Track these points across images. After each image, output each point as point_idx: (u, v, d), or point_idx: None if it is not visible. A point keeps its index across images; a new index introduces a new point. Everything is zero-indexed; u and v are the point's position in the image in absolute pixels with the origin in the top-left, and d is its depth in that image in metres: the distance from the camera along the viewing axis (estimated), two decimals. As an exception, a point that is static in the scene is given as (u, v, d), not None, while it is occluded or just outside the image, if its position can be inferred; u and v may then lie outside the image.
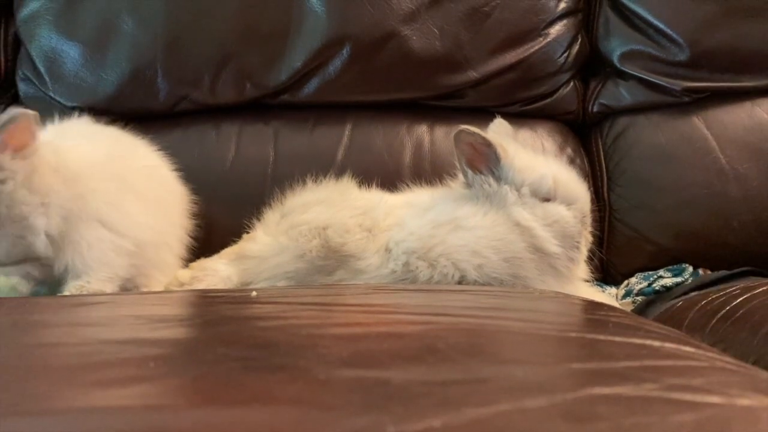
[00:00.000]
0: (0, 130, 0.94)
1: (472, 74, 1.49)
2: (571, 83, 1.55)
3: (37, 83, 1.52)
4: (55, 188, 1.00)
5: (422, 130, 1.50)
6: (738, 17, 1.46)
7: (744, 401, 0.43)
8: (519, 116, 1.48)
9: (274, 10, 1.47)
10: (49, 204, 0.99)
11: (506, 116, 1.26)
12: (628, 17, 1.52)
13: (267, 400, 0.42)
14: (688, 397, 0.43)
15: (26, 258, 1.00)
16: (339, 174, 1.24)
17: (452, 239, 1.07)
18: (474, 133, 1.09)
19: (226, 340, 0.57)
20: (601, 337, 0.59)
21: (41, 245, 0.99)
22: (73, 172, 1.04)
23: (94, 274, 1.02)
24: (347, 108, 1.52)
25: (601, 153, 1.54)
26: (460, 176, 1.15)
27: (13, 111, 0.95)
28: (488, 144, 1.10)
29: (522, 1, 1.49)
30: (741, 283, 1.13)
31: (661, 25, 1.48)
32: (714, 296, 1.04)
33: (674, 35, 1.47)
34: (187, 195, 1.32)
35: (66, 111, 1.47)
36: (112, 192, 1.09)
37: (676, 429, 0.38)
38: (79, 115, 1.31)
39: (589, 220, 1.15)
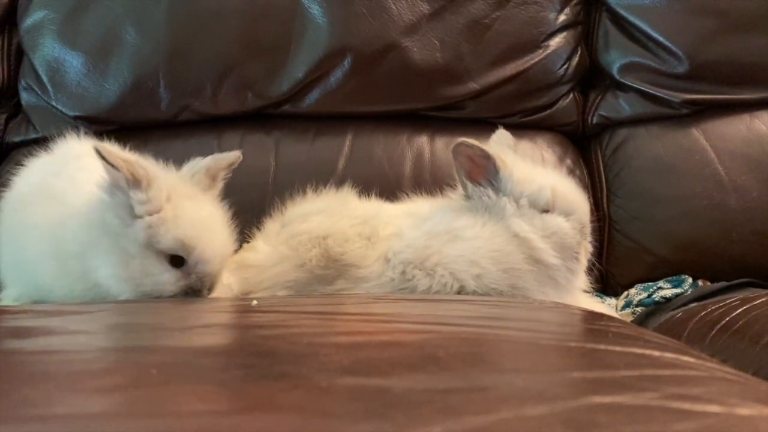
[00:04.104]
0: (228, 166, 1.00)
1: (473, 86, 1.50)
2: (571, 95, 1.56)
3: (39, 93, 1.53)
4: None
5: (422, 141, 1.51)
6: (736, 30, 1.47)
7: (743, 411, 0.43)
8: (519, 127, 1.49)
9: (275, 21, 1.48)
10: None
11: (506, 127, 1.27)
12: (627, 30, 1.53)
13: (268, 408, 0.42)
14: (687, 406, 0.43)
15: None
16: (339, 184, 1.25)
17: (449, 249, 1.07)
18: (472, 146, 1.09)
19: (227, 348, 0.57)
20: (601, 346, 0.59)
21: None
22: None
23: None
24: (348, 118, 1.52)
25: (601, 164, 1.55)
26: (460, 187, 1.15)
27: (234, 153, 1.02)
28: (487, 156, 1.10)
29: (522, 13, 1.50)
30: (740, 295, 1.13)
31: (661, 38, 1.49)
32: (713, 307, 1.04)
33: (673, 48, 1.48)
34: None
35: (68, 120, 1.48)
36: None
37: (675, 438, 0.38)
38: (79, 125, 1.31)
39: (588, 231, 1.15)
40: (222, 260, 0.94)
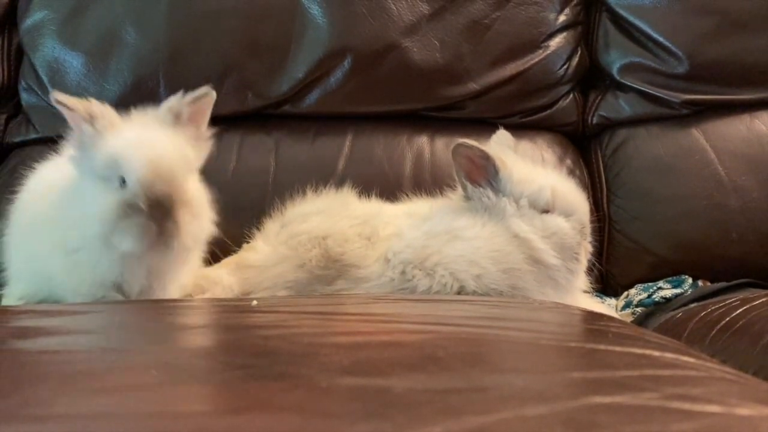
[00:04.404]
0: (192, 102, 1.00)
1: (473, 86, 1.50)
2: (571, 95, 1.56)
3: (39, 93, 1.53)
4: None
5: (422, 141, 1.51)
6: (736, 31, 1.47)
7: (743, 411, 0.43)
8: (519, 128, 1.49)
9: (276, 22, 1.48)
10: None
11: (506, 128, 1.27)
12: (627, 30, 1.53)
13: (268, 408, 0.42)
14: (687, 406, 0.43)
15: None
16: (339, 184, 1.25)
17: (449, 249, 1.07)
18: (472, 147, 1.09)
19: (227, 349, 0.57)
20: (601, 346, 0.59)
21: None
22: None
23: None
24: (348, 119, 1.52)
25: (601, 164, 1.55)
26: (460, 188, 1.15)
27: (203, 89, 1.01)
28: (486, 157, 1.10)
29: (522, 13, 1.50)
30: (740, 295, 1.13)
31: (661, 38, 1.49)
32: (713, 307, 1.04)
33: (673, 48, 1.48)
34: None
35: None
36: None
37: (675, 438, 0.38)
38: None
39: (588, 231, 1.15)
40: (159, 174, 0.89)
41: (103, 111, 0.95)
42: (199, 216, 0.95)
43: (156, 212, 0.88)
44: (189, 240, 0.93)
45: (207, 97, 1.01)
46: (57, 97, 0.93)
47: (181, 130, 0.98)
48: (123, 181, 0.90)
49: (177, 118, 0.99)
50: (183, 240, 0.91)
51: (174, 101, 1.00)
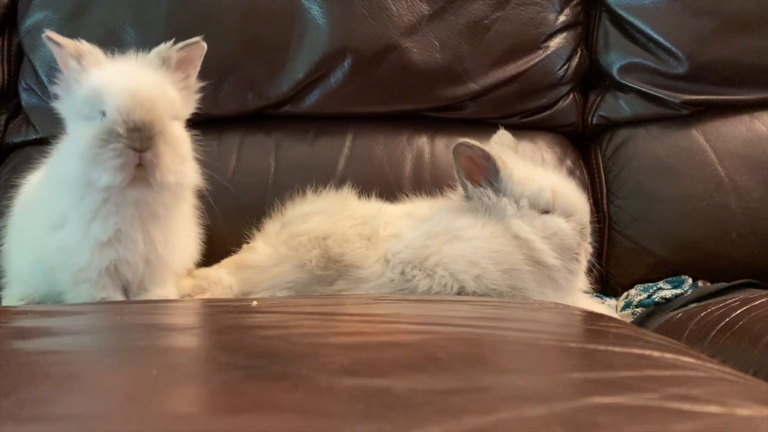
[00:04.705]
0: (182, 49, 1.01)
1: (473, 86, 1.50)
2: (571, 96, 1.56)
3: (39, 93, 1.53)
4: None
5: (422, 142, 1.51)
6: (736, 31, 1.47)
7: (743, 411, 0.43)
8: (519, 128, 1.49)
9: (276, 22, 1.48)
10: None
11: (506, 128, 1.27)
12: (627, 31, 1.53)
13: (269, 408, 0.42)
14: (687, 406, 0.43)
15: None
16: (339, 184, 1.25)
17: (448, 249, 1.07)
18: (473, 146, 1.10)
19: (227, 349, 0.57)
20: (601, 347, 0.59)
21: None
22: None
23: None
24: (348, 119, 1.52)
25: (601, 165, 1.55)
26: (460, 188, 1.15)
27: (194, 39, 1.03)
28: (487, 157, 1.11)
29: (522, 14, 1.50)
30: (740, 295, 1.13)
31: (661, 39, 1.49)
32: (713, 308, 1.04)
33: (673, 48, 1.48)
34: None
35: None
36: None
37: (675, 438, 0.38)
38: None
39: (588, 231, 1.15)
40: (138, 101, 0.89)
41: (91, 50, 0.97)
42: (182, 156, 0.94)
43: (134, 139, 0.87)
44: (171, 177, 0.91)
45: (197, 45, 1.03)
46: (48, 34, 0.97)
47: (169, 75, 1.00)
48: (104, 115, 0.90)
49: (165, 63, 1.00)
50: (164, 175, 0.89)
51: (164, 47, 1.01)
